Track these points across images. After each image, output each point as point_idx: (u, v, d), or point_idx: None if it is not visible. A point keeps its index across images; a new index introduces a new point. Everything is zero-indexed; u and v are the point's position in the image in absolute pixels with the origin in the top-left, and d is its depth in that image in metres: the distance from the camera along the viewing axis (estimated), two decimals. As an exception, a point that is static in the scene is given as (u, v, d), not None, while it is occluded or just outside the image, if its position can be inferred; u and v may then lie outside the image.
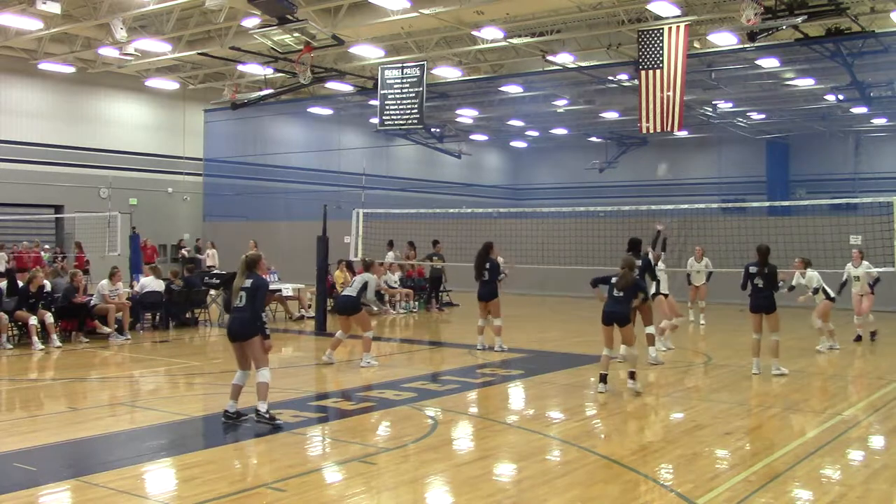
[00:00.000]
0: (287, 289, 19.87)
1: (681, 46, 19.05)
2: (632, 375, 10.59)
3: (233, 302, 8.70)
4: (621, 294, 10.46)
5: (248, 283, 8.58)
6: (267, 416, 8.45)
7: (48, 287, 15.11)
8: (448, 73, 27.78)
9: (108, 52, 25.26)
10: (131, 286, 17.83)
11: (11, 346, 14.00)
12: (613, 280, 10.59)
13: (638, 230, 21.87)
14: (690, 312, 18.75)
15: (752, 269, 11.94)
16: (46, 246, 26.98)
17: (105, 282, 15.64)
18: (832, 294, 14.69)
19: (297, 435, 8.38)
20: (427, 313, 21.58)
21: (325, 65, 27.11)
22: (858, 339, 15.74)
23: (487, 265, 14.23)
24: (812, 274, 14.54)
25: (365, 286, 12.59)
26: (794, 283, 14.70)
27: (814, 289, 14.57)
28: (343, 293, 13.14)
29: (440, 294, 22.76)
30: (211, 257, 27.39)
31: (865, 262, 15.23)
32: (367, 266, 13.20)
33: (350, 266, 20.45)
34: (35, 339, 14.04)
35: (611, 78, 28.29)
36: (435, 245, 21.22)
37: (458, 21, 22.17)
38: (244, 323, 8.51)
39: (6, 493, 6.29)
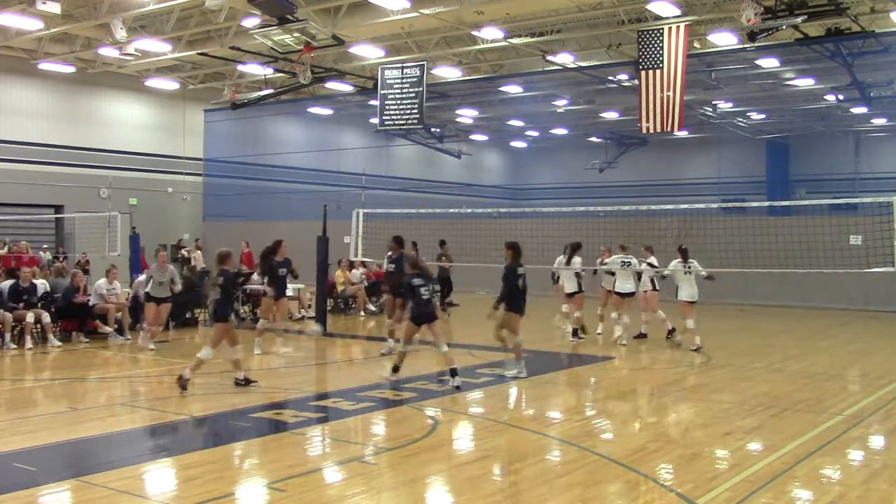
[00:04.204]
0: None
1: (681, 46, 19.04)
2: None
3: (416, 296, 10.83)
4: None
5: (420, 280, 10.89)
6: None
7: (46, 287, 15.13)
8: (448, 73, 27.78)
9: (108, 52, 25.25)
10: (131, 286, 17.83)
11: (15, 346, 14.00)
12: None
13: (638, 230, 22.02)
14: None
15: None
16: (45, 245, 26.98)
17: (102, 281, 15.64)
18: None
19: (297, 435, 8.38)
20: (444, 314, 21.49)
21: (325, 65, 27.10)
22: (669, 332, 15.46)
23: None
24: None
25: (148, 279, 14.30)
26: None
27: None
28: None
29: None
30: (196, 259, 27.22)
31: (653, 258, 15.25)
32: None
33: (352, 265, 20.47)
34: (27, 338, 14.03)
35: (611, 78, 28.28)
36: (442, 245, 21.14)
37: (458, 21, 22.17)
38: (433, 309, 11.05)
39: (6, 493, 6.29)
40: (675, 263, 14.47)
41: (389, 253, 14.11)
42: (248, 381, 10.75)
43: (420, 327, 10.93)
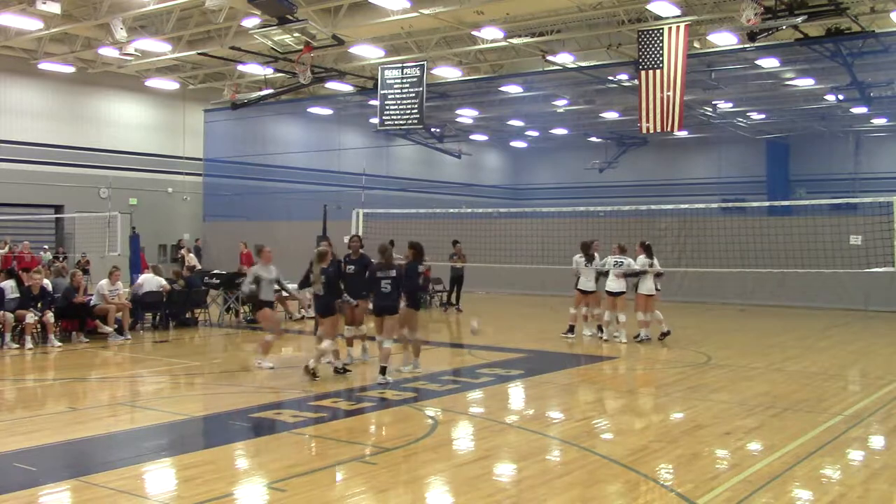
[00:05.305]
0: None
1: (681, 46, 19.05)
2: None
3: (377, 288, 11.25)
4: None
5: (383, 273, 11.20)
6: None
7: (49, 287, 15.13)
8: (448, 73, 27.78)
9: (108, 52, 25.27)
10: (131, 286, 17.83)
11: (15, 346, 14.00)
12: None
13: (638, 230, 22.05)
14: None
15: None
16: (45, 246, 27.00)
17: (104, 281, 15.66)
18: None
19: (297, 435, 8.38)
20: (443, 314, 21.42)
21: (325, 65, 27.11)
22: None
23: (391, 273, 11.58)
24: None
25: (255, 280, 12.30)
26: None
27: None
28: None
29: (450, 294, 22.45)
30: (189, 261, 27.08)
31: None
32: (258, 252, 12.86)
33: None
34: (27, 338, 14.00)
35: (611, 78, 28.29)
36: (455, 245, 21.11)
37: (458, 21, 22.18)
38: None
39: (6, 493, 6.28)
40: (641, 259, 15.04)
41: (349, 253, 12.52)
42: (345, 370, 11.56)
43: (382, 318, 11.29)
